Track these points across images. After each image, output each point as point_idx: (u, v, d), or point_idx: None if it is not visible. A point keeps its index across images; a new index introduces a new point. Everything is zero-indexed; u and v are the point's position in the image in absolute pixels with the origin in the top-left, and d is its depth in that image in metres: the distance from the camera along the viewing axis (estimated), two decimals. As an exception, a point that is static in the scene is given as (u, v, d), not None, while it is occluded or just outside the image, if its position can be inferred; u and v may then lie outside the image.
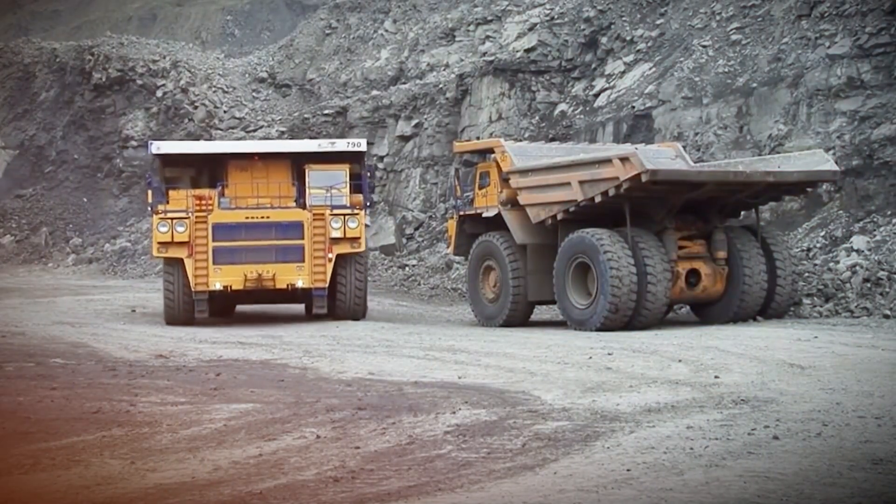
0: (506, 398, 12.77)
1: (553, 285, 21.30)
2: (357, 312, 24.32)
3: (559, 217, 21.39)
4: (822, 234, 24.18)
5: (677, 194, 20.54)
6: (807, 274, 22.14)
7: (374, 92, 41.14)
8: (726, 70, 28.78)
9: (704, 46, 30.07)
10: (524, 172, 22.14)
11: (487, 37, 39.26)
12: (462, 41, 40.53)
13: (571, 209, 21.04)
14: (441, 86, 37.49)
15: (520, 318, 22.55)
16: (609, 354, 16.44)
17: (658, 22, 32.74)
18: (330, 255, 23.65)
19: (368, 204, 25.03)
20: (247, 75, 48.17)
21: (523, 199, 22.06)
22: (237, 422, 11.51)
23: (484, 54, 37.47)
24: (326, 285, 23.60)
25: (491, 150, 23.47)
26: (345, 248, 23.82)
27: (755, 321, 20.79)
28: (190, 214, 23.72)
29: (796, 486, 8.30)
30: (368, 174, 25.28)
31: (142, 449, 10.12)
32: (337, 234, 23.67)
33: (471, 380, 14.47)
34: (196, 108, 45.65)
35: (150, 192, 24.70)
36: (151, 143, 24.84)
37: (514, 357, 16.73)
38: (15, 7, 79.47)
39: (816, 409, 11.39)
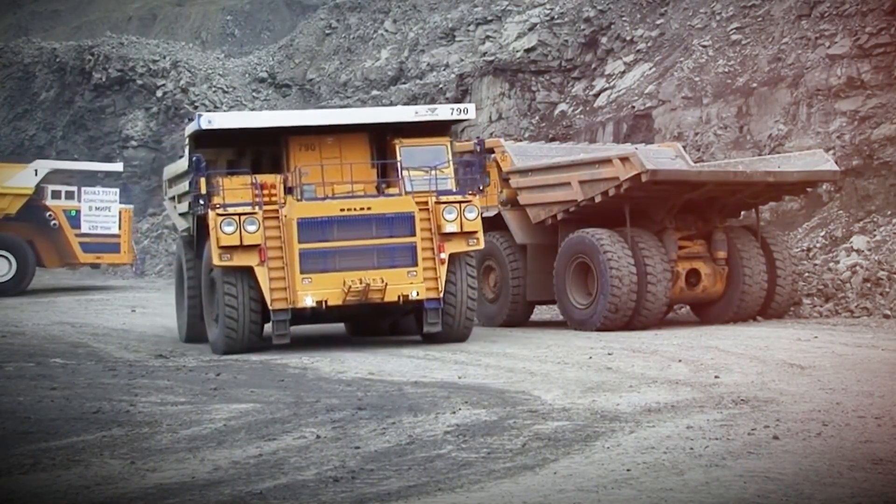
0: (506, 398, 12.77)
1: (553, 285, 21.31)
2: (467, 331, 18.98)
3: (559, 217, 21.38)
4: (823, 234, 24.18)
5: (677, 194, 20.55)
6: (807, 274, 22.14)
7: (374, 92, 41.15)
8: (726, 70, 28.78)
9: (704, 46, 30.08)
10: (524, 172, 22.14)
11: (487, 37, 39.26)
12: (462, 41, 40.54)
13: (571, 209, 21.04)
14: (441, 86, 37.50)
15: (520, 318, 22.54)
16: (609, 354, 16.44)
17: (658, 22, 32.75)
18: (442, 256, 18.46)
19: (480, 189, 19.55)
20: (247, 75, 48.23)
21: (523, 199, 22.06)
22: (237, 422, 11.52)
23: (484, 54, 37.49)
24: (441, 295, 18.31)
25: (491, 151, 23.48)
26: (460, 246, 18.59)
27: (755, 321, 20.79)
28: (258, 208, 18.17)
29: (796, 486, 8.30)
30: (478, 147, 19.84)
31: (142, 449, 10.12)
32: (452, 227, 18.44)
33: (471, 380, 14.47)
34: (196, 108, 45.67)
35: (201, 180, 18.57)
36: (200, 116, 18.97)
37: (514, 357, 16.73)
38: (15, 7, 79.49)
39: (816, 408, 11.39)
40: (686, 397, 12.39)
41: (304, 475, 8.90)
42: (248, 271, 17.96)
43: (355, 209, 18.23)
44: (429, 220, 18.46)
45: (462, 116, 19.78)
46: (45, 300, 31.25)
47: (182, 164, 20.78)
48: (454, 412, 11.73)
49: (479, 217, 18.73)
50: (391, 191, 19.07)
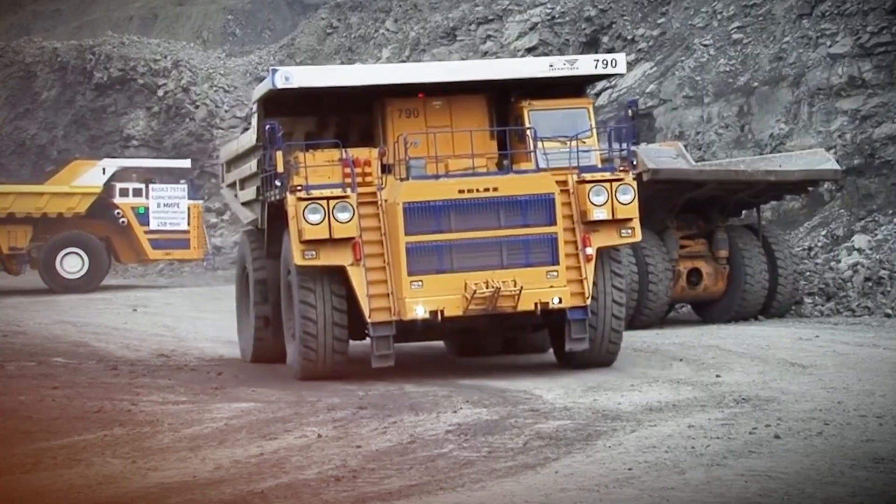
0: (507, 397, 12.78)
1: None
2: (614, 350, 14.94)
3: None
4: (824, 233, 24.17)
5: (679, 193, 20.54)
6: (808, 273, 22.12)
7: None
8: (727, 69, 28.78)
9: (706, 45, 30.08)
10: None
11: (488, 36, 39.25)
12: (463, 40, 40.54)
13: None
14: (442, 85, 37.46)
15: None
16: (610, 353, 16.42)
17: (659, 21, 32.75)
18: (588, 251, 14.40)
19: (633, 163, 15.27)
20: (248, 74, 48.21)
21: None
22: (238, 421, 11.52)
23: (485, 53, 37.48)
24: (588, 301, 14.29)
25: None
26: (611, 239, 14.63)
27: (757, 320, 20.78)
28: (352, 191, 14.32)
29: (798, 485, 8.30)
30: (630, 111, 15.30)
31: (143, 448, 10.13)
32: (601, 213, 14.41)
33: (472, 379, 14.47)
34: (197, 107, 45.66)
35: (278, 154, 14.61)
36: (274, 71, 14.82)
37: (515, 356, 16.72)
38: (16, 7, 79.50)
39: (818, 407, 11.39)
40: (687, 396, 12.39)
41: (306, 474, 8.91)
42: (334, 273, 14.27)
43: (478, 190, 14.24)
44: (570, 204, 14.50)
45: (610, 70, 15.58)
46: (45, 299, 31.25)
47: (246, 140, 17.27)
48: (455, 411, 11.74)
49: (636, 200, 14.65)
50: (522, 167, 14.98)
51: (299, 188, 14.28)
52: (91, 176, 34.60)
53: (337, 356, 14.47)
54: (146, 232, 34.46)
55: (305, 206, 14.10)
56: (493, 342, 16.88)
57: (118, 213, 34.38)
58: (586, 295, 14.26)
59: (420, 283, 14.03)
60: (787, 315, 21.06)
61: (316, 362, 14.44)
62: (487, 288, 13.91)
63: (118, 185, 34.66)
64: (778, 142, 26.52)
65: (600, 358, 14.82)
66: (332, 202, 14.13)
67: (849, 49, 25.95)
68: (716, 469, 8.84)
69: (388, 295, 14.07)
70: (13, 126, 50.47)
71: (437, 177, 14.61)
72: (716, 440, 9.87)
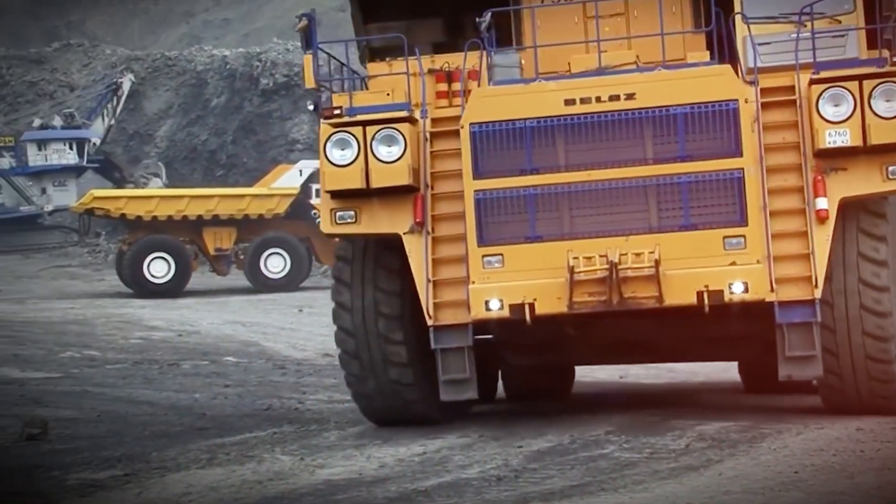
0: (667, 398, 12.65)
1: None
2: (879, 392, 9.73)
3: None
4: None
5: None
6: None
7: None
8: None
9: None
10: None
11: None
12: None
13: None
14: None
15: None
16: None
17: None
18: (821, 204, 9.22)
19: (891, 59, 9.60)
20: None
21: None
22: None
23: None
24: (818, 295, 9.18)
25: None
26: (867, 184, 9.28)
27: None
28: (422, 116, 9.78)
29: (974, 492, 7.99)
30: None
31: (311, 445, 10.39)
32: (840, 136, 9.19)
33: (632, 379, 14.38)
34: (359, 110, 46.47)
35: (307, 59, 10.31)
36: None
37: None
38: (188, 17, 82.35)
39: None
40: (857, 398, 12.03)
41: (468, 473, 8.99)
42: (394, 251, 9.66)
43: (600, 100, 9.24)
44: (794, 126, 9.34)
45: None
46: (218, 300, 32.27)
47: None
48: (615, 412, 11.68)
49: None
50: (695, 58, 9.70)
51: (336, 111, 9.81)
52: (289, 178, 35.84)
53: (398, 388, 10.01)
54: None
55: (331, 137, 9.61)
56: (643, 352, 10.77)
57: (315, 214, 35.36)
58: (815, 281, 9.01)
59: (499, 258, 9.29)
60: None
61: (368, 395, 10.28)
62: (608, 263, 8.89)
63: (314, 187, 35.65)
64: None
65: (851, 396, 9.55)
66: (370, 130, 9.49)
67: None
68: (887, 474, 8.58)
69: (462, 282, 9.44)
70: (186, 132, 52.32)
71: (527, 81, 9.57)
72: (886, 444, 9.57)
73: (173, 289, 33.70)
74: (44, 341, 21.18)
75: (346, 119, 9.73)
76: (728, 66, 9.49)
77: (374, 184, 9.51)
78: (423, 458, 9.66)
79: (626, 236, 9.15)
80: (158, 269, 33.95)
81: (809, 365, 9.27)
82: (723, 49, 9.65)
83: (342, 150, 9.58)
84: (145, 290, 33.36)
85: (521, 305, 9.17)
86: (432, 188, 9.63)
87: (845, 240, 9.36)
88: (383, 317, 9.81)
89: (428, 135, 9.70)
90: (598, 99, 9.29)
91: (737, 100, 9.22)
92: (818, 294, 9.10)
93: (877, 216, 9.40)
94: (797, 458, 9.15)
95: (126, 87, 50.56)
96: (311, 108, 10.67)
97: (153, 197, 36.62)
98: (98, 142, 51.00)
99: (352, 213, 9.61)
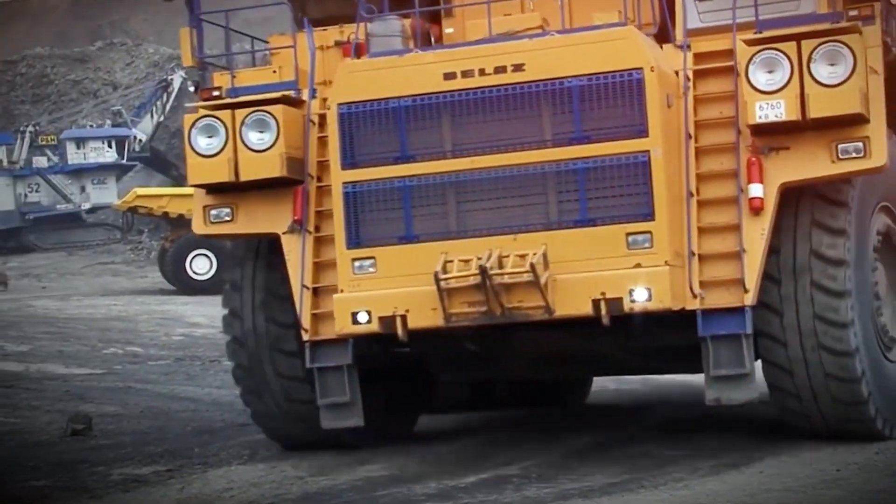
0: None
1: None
2: (845, 414, 8.52)
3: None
4: None
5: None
6: None
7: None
8: None
9: None
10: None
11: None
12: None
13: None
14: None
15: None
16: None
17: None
18: (755, 191, 7.73)
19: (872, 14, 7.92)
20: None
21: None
22: (442, 417, 11.72)
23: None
24: (752, 301, 7.79)
25: None
26: (811, 166, 7.76)
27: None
28: (310, 97, 8.73)
29: None
30: None
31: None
32: (774, 112, 7.58)
33: (669, 377, 14.33)
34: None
35: (183, 31, 9.12)
36: None
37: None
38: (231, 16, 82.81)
39: None
40: None
41: (508, 470, 9.00)
42: (273, 248, 8.64)
43: (484, 72, 7.89)
44: (730, 98, 7.92)
45: None
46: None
47: None
48: (652, 410, 11.66)
49: (859, 77, 7.55)
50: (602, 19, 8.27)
51: (206, 93, 8.69)
52: None
53: (296, 408, 8.88)
54: None
55: (195, 124, 8.42)
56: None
57: None
58: (746, 286, 7.68)
59: (371, 261, 7.99)
60: None
61: (269, 416, 9.22)
62: (490, 261, 7.57)
63: None
64: None
65: (819, 426, 8.46)
66: (239, 114, 8.30)
67: None
68: (932, 472, 8.50)
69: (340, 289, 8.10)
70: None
71: (401, 52, 8.23)
72: (930, 442, 9.48)
73: (215, 285, 33.94)
74: (87, 338, 21.42)
75: (217, 101, 8.58)
76: (631, 28, 7.99)
77: (244, 176, 8.31)
78: (463, 455, 9.69)
79: (515, 235, 7.74)
80: (200, 266, 34.16)
81: (740, 386, 7.85)
82: (660, 8, 8.30)
83: (209, 137, 8.39)
84: (188, 286, 33.60)
85: (393, 318, 7.81)
86: (320, 180, 8.41)
87: (797, 235, 7.88)
88: (276, 324, 8.55)
89: (316, 118, 8.49)
90: (482, 72, 7.84)
91: (641, 68, 7.67)
92: (749, 300, 7.65)
93: (835, 205, 7.83)
94: (839, 455, 9.08)
95: (176, 84, 50.91)
96: (191, 89, 9.50)
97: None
98: (144, 138, 51.47)
99: (227, 210, 8.50)
